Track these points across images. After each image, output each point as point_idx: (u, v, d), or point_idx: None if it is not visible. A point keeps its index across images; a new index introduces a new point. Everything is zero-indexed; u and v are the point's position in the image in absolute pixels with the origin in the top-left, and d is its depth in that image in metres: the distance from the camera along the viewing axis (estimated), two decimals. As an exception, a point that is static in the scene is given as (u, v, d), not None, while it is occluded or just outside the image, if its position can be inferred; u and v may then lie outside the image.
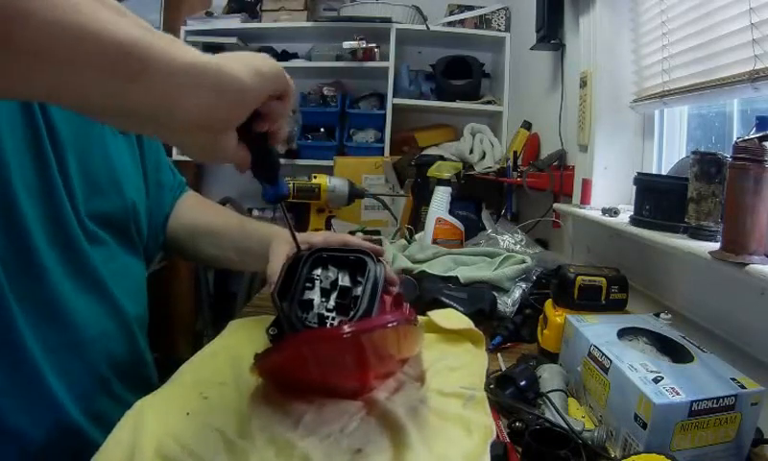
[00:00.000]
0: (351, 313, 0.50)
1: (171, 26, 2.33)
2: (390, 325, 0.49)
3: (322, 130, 2.34)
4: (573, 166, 1.39)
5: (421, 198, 1.54)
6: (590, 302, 0.78)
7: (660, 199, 0.92)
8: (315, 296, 0.53)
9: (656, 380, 0.53)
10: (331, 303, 0.52)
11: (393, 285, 0.62)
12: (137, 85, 0.32)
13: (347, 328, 0.46)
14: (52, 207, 0.56)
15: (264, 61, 0.41)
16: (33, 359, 0.52)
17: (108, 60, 0.31)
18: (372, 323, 0.49)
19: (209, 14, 2.42)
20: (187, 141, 0.40)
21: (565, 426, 0.54)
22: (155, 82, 0.33)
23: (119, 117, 0.35)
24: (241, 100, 0.39)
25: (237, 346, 0.67)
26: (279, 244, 0.69)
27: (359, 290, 0.52)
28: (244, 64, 0.39)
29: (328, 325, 0.51)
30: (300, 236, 0.59)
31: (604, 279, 0.79)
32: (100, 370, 0.60)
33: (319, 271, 0.55)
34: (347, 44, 2.18)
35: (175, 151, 2.36)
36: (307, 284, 0.53)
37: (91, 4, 0.30)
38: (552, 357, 0.75)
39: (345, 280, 0.54)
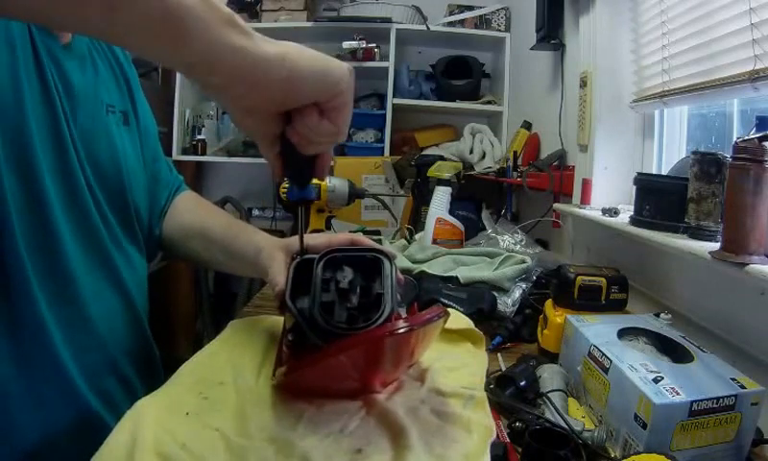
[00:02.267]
0: (379, 312, 0.48)
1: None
2: (434, 319, 0.49)
3: (322, 130, 2.34)
4: (573, 166, 1.39)
5: (421, 198, 1.54)
6: (590, 302, 0.78)
7: (660, 199, 0.92)
8: (334, 298, 0.51)
9: (656, 380, 0.53)
10: (353, 304, 0.51)
11: (399, 284, 0.62)
12: (181, 50, 0.35)
13: (402, 324, 0.46)
14: (70, 185, 0.58)
15: (317, 62, 0.41)
16: (48, 332, 0.54)
17: (145, 21, 0.33)
18: (422, 317, 0.49)
19: (209, 14, 2.42)
20: (226, 102, 0.42)
21: (565, 426, 0.54)
22: (191, 53, 0.36)
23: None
24: (256, 86, 0.39)
25: (237, 346, 0.67)
26: (274, 250, 0.68)
27: (379, 288, 0.51)
28: (284, 58, 0.39)
29: (357, 325, 0.49)
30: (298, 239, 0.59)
31: (604, 279, 0.79)
32: (108, 348, 0.62)
33: (332, 272, 0.53)
34: (347, 44, 2.19)
35: (174, 150, 2.37)
36: (323, 286, 0.51)
37: None
38: (552, 357, 0.75)
39: (360, 280, 0.53)
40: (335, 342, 0.46)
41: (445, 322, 0.55)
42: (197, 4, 0.34)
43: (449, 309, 0.83)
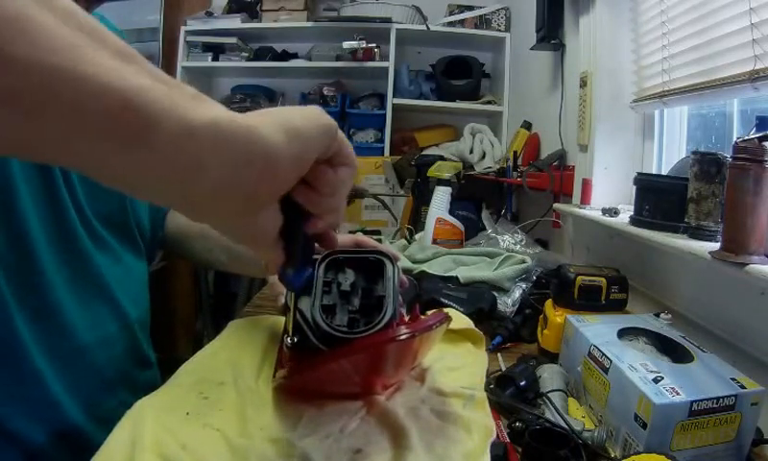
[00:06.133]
0: (381, 315, 0.48)
1: (171, 26, 2.33)
2: (434, 326, 0.49)
3: (322, 130, 2.34)
4: (573, 166, 1.39)
5: (421, 198, 1.54)
6: (590, 302, 0.78)
7: (660, 199, 0.92)
8: (335, 300, 0.51)
9: (656, 380, 0.53)
10: (355, 306, 0.50)
11: (402, 287, 0.62)
12: (140, 149, 0.25)
13: (404, 331, 0.45)
14: (56, 214, 0.55)
15: (306, 116, 0.34)
16: (35, 367, 0.52)
17: (100, 115, 0.24)
18: (421, 324, 0.49)
19: (209, 14, 2.42)
20: (214, 219, 0.34)
21: (565, 426, 0.54)
22: (162, 143, 0.26)
23: (126, 186, 0.28)
24: (273, 169, 0.31)
25: (237, 346, 0.67)
26: None
27: (381, 290, 0.50)
28: (279, 124, 0.32)
29: (357, 327, 0.49)
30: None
31: (604, 279, 0.79)
32: (105, 374, 0.60)
33: (334, 273, 0.52)
34: (347, 44, 2.19)
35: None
36: (324, 288, 0.51)
37: (85, 45, 0.24)
38: (552, 357, 0.75)
39: (362, 282, 0.53)
40: (336, 346, 0.46)
41: (448, 325, 0.55)
42: (151, 85, 0.25)
43: (449, 309, 0.84)
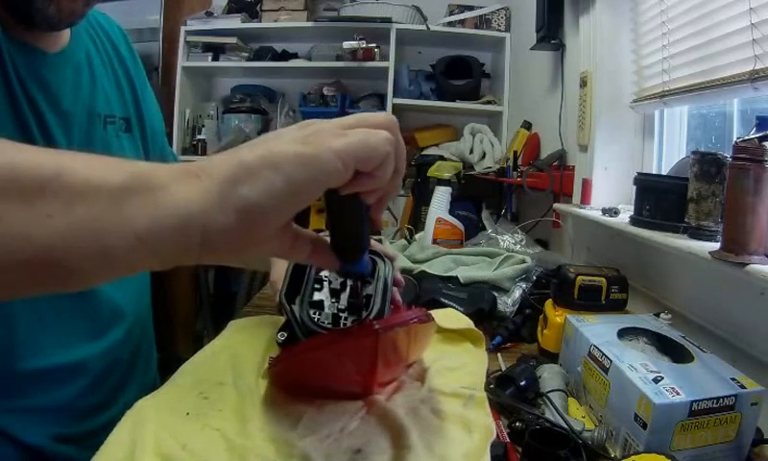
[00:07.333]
0: (366, 313, 0.48)
1: (171, 26, 2.33)
2: (413, 321, 0.49)
3: (322, 130, 2.34)
4: (573, 166, 1.39)
5: (421, 198, 1.54)
6: (590, 302, 0.78)
7: (660, 199, 0.92)
8: (325, 297, 0.52)
9: (656, 380, 0.53)
10: (343, 304, 0.51)
11: (398, 286, 0.62)
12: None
13: (376, 325, 0.45)
14: None
15: (271, 180, 0.30)
16: (36, 380, 0.53)
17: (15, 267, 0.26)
18: (396, 319, 0.48)
19: (209, 14, 2.42)
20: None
21: (565, 426, 0.54)
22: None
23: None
24: (217, 245, 0.30)
25: (237, 346, 0.67)
26: None
27: (370, 289, 0.51)
28: (232, 202, 0.29)
29: (342, 324, 0.50)
30: None
31: (604, 279, 0.79)
32: (110, 380, 0.61)
33: (327, 272, 0.54)
34: (347, 44, 2.19)
35: (174, 150, 2.36)
36: (316, 285, 0.52)
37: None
38: (552, 357, 0.75)
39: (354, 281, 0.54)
40: (312, 339, 0.47)
41: (435, 326, 0.55)
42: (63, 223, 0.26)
43: (449, 309, 0.84)
